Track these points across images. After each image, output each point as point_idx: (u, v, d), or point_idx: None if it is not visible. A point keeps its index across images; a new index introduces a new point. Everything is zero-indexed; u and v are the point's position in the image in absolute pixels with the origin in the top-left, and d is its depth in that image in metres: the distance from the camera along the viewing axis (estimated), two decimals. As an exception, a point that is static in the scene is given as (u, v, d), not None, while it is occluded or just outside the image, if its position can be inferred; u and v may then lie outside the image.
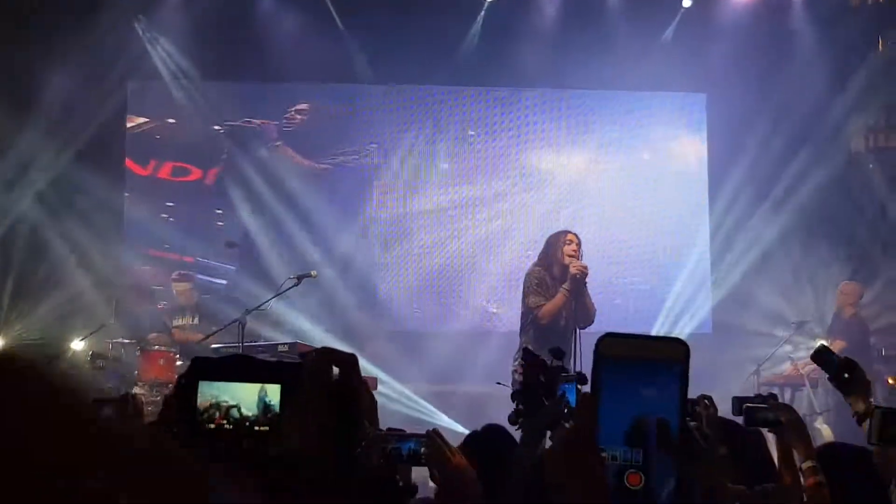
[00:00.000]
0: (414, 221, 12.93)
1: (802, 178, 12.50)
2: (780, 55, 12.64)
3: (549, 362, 3.90)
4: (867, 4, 14.30)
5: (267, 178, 12.67)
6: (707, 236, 12.97)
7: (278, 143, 12.93)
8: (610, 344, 2.14)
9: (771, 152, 12.44)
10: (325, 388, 2.52)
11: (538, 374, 3.81)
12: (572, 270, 7.85)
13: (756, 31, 12.60)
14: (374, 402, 3.97)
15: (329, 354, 2.43)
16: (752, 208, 12.56)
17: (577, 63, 12.24)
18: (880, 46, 14.33)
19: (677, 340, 2.19)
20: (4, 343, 10.90)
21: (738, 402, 4.05)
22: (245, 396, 2.64)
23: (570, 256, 7.94)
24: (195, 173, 12.94)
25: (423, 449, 3.20)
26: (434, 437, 3.48)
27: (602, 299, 8.83)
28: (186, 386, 2.63)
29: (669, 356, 2.11)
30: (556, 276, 7.99)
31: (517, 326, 8.23)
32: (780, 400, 9.95)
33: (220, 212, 12.83)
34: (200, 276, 11.70)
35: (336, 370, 2.43)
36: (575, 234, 8.12)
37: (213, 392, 2.64)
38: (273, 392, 2.62)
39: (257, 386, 2.67)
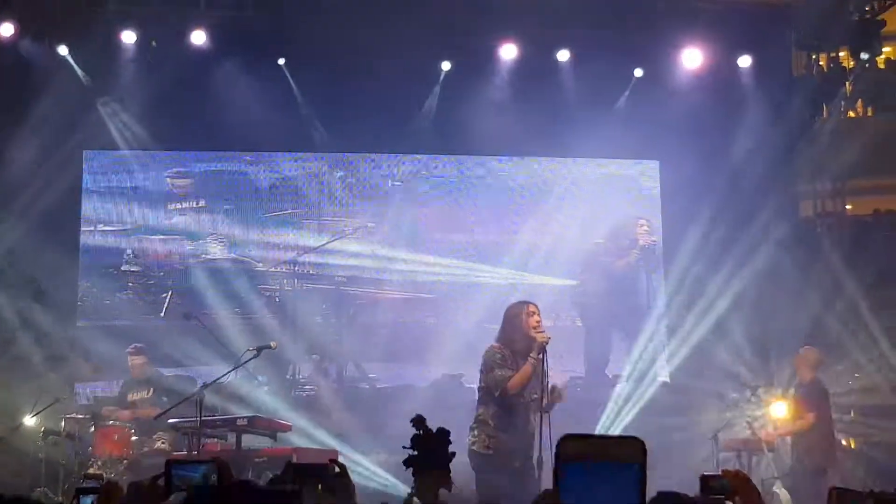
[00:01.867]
0: (371, 287, 12.99)
1: (755, 243, 12.66)
2: (730, 122, 12.88)
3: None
4: (811, 74, 14.69)
5: (221, 248, 12.66)
6: (663, 301, 13.08)
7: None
8: (570, 444, 2.19)
9: (723, 218, 12.61)
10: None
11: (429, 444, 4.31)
12: (539, 339, 7.74)
13: (706, 100, 12.85)
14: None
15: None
16: (706, 273, 12.65)
17: (531, 131, 12.45)
18: (825, 114, 14.68)
19: (634, 439, 2.25)
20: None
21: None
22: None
23: (534, 328, 7.80)
24: (151, 242, 12.87)
25: None
26: None
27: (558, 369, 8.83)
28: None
29: (627, 455, 2.19)
30: (518, 350, 7.84)
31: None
32: (739, 465, 9.98)
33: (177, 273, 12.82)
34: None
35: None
36: (535, 305, 8.01)
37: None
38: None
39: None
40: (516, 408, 7.74)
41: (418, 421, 4.62)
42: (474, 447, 7.67)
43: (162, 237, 12.92)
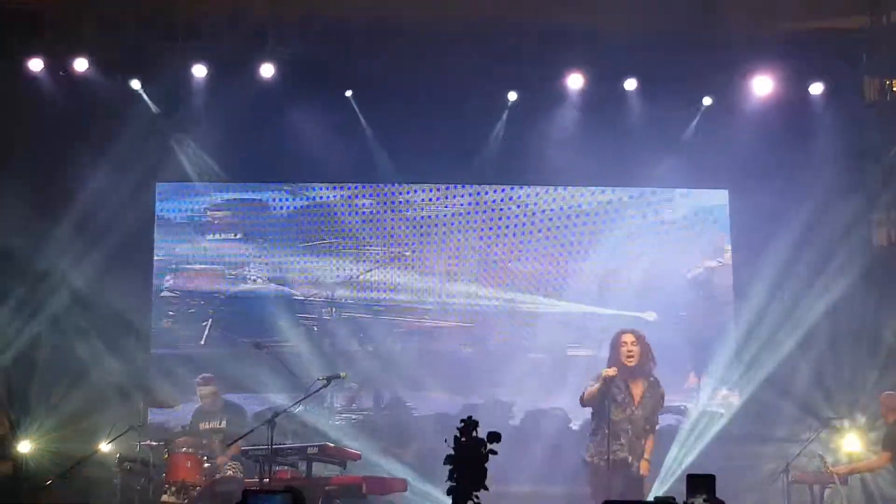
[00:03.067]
0: (409, 316, 13.34)
1: (829, 272, 12.71)
2: (802, 150, 12.92)
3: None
4: (885, 100, 14.69)
5: (260, 277, 13.16)
6: (733, 332, 13.16)
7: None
8: None
9: (796, 247, 12.66)
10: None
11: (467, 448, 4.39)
12: (603, 373, 8.83)
13: (777, 128, 12.95)
14: None
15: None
16: (779, 303, 12.75)
17: (599, 160, 12.68)
18: (898, 141, 14.65)
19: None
20: (34, 446, 11.14)
21: None
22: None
23: (626, 356, 8.95)
24: (190, 271, 13.35)
25: None
26: None
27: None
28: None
29: None
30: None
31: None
32: (812, 498, 10.00)
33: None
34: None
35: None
36: (631, 332, 8.89)
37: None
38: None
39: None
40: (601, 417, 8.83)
41: (467, 423, 4.71)
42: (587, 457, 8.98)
43: (201, 266, 13.34)
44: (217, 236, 13.40)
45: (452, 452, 4.49)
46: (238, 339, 12.85)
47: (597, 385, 8.83)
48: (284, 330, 12.90)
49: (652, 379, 9.11)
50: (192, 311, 13.26)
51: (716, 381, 12.97)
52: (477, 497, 4.43)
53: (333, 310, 13.24)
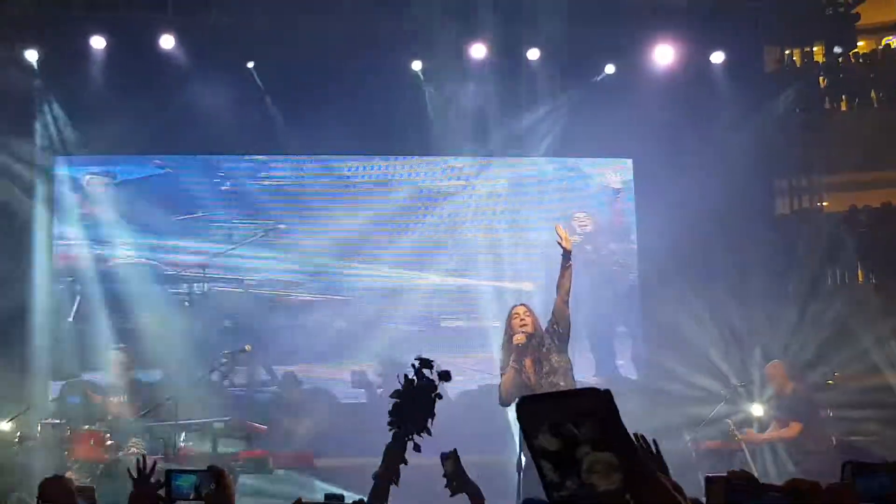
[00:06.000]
0: (283, 289, 13.31)
1: (731, 241, 12.99)
2: (704, 120, 13.16)
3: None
4: (785, 70, 15.02)
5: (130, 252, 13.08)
6: (638, 299, 13.41)
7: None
8: (527, 405, 2.37)
9: (698, 216, 12.79)
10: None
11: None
12: (514, 342, 8.24)
13: (680, 97, 13.16)
14: None
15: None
16: (681, 272, 12.87)
17: (503, 130, 12.72)
18: (798, 110, 14.96)
19: (594, 390, 2.39)
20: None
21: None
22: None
23: (521, 326, 8.29)
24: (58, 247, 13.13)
25: None
26: None
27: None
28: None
29: (590, 408, 2.33)
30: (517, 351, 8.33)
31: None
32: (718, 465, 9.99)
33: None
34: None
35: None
36: (522, 306, 8.52)
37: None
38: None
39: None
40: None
41: (423, 362, 4.29)
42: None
43: (69, 242, 13.09)
44: (86, 211, 13.16)
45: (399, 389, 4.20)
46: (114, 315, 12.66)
47: (510, 364, 8.26)
48: (155, 305, 12.75)
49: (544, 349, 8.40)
50: (61, 287, 12.99)
51: (619, 344, 13.15)
52: (411, 437, 4.18)
53: (205, 285, 13.10)
